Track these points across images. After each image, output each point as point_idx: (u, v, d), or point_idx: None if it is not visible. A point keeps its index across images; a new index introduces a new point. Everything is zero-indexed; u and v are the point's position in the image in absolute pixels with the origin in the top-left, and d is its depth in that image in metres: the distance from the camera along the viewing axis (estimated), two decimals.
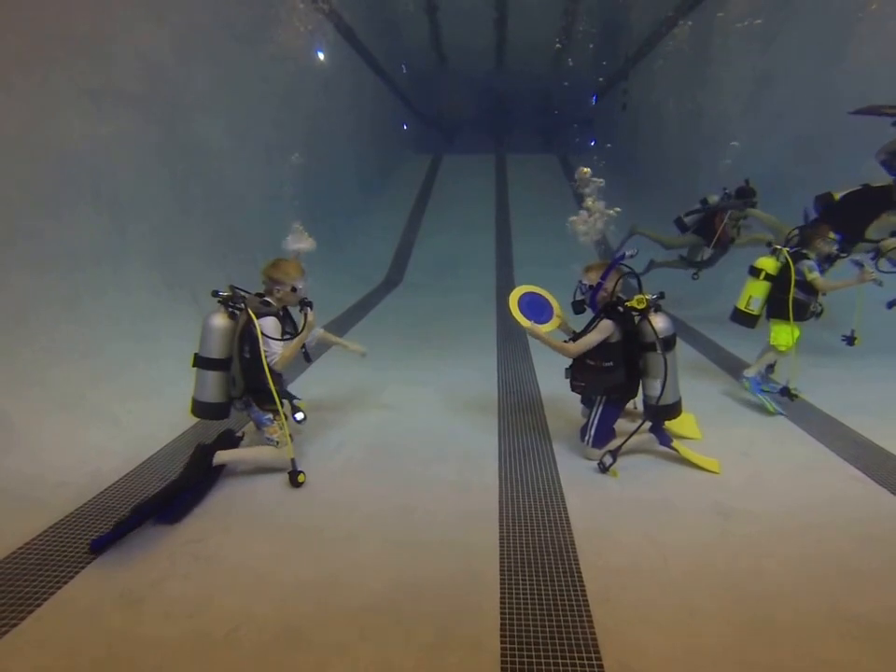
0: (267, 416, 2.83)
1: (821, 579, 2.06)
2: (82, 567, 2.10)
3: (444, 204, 12.40)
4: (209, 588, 2.01)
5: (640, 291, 2.78)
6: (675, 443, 2.94)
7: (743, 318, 3.86)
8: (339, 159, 10.29)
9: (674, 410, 2.86)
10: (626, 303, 2.80)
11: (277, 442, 2.83)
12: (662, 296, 2.78)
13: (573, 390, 3.02)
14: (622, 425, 3.08)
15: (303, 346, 2.94)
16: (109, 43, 4.34)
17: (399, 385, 4.26)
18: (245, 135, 6.68)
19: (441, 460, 3.03)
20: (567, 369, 3.02)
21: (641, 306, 2.73)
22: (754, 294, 3.77)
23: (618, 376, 2.84)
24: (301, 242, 3.04)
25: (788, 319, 3.62)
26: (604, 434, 2.94)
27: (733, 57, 8.29)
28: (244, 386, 2.80)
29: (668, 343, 2.74)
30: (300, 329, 2.84)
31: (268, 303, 2.79)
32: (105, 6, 4.31)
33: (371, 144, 12.86)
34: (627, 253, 2.77)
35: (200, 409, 2.82)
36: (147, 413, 3.41)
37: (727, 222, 5.76)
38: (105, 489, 2.65)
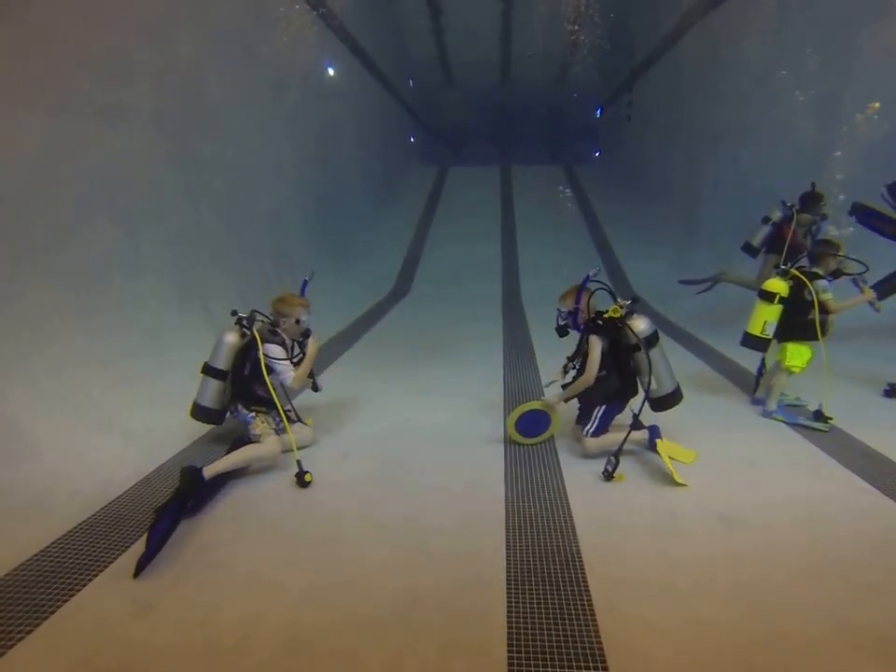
0: (251, 415, 3.06)
1: (828, 590, 2.05)
2: (95, 575, 2.13)
3: (451, 216, 12.50)
4: (219, 595, 2.04)
5: (615, 301, 3.04)
6: (658, 444, 3.02)
7: (756, 343, 3.75)
8: (348, 171, 10.43)
9: (674, 397, 3.10)
10: (604, 315, 3.03)
11: (260, 435, 3.00)
12: (636, 300, 3.07)
13: (582, 405, 3.25)
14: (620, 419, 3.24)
15: (312, 377, 3.30)
16: (125, 61, 4.46)
17: (405, 395, 4.29)
18: (256, 149, 6.81)
19: (447, 469, 3.05)
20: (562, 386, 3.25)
21: (618, 315, 2.97)
22: (769, 319, 3.65)
23: (613, 383, 3.09)
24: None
25: (803, 340, 3.62)
26: (602, 430, 3.14)
27: (736, 68, 8.36)
28: (231, 395, 3.13)
29: (651, 341, 2.98)
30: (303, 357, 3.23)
31: (276, 333, 3.10)
32: (121, 26, 4.44)
33: (379, 156, 13.04)
34: (591, 272, 3.03)
35: (198, 411, 3.20)
36: (158, 422, 3.46)
37: (795, 229, 5.29)
38: (117, 497, 2.69)
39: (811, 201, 5.26)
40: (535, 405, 3.29)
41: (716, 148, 8.93)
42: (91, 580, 2.10)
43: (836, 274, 3.76)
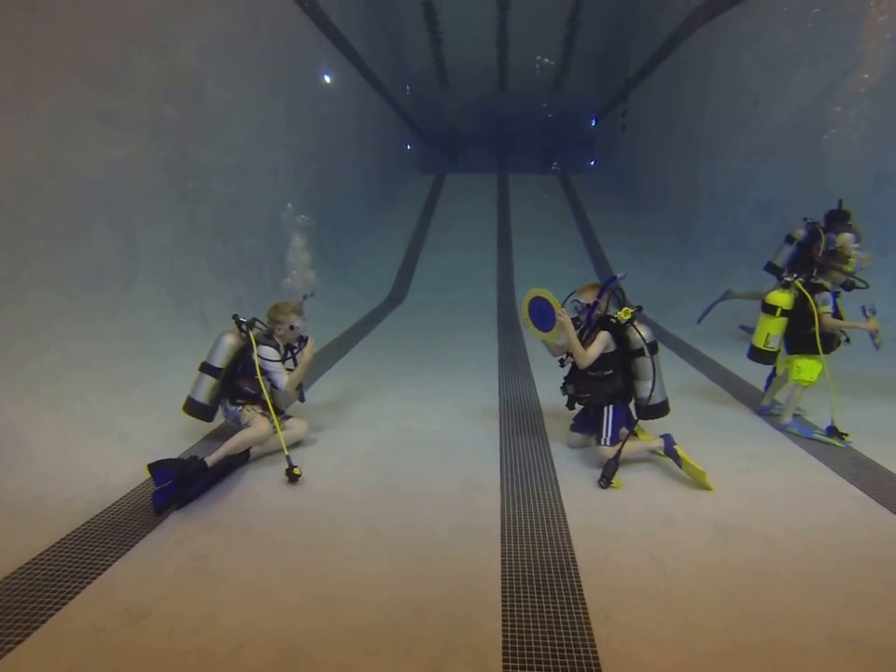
0: (237, 408, 3.26)
1: (823, 599, 2.07)
2: (88, 583, 2.11)
3: (447, 223, 12.56)
4: (213, 604, 2.03)
5: (623, 305, 3.09)
6: (677, 447, 3.04)
7: (762, 356, 3.75)
8: (345, 178, 10.48)
9: (662, 408, 3.19)
10: (616, 316, 3.09)
11: (247, 422, 3.16)
12: (640, 308, 3.13)
13: (579, 402, 3.29)
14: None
15: (300, 386, 3.39)
16: (123, 67, 4.49)
17: (400, 402, 4.29)
18: (254, 156, 6.83)
19: (443, 477, 3.05)
20: (562, 388, 3.32)
21: (627, 317, 3.04)
22: (772, 332, 3.64)
23: (618, 382, 3.16)
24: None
25: (810, 353, 3.57)
26: (617, 433, 3.14)
27: (731, 79, 8.46)
28: (219, 393, 3.29)
29: (653, 347, 3.09)
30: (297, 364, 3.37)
31: (271, 338, 3.30)
32: (120, 34, 4.47)
33: (376, 163, 13.10)
34: (619, 275, 3.09)
35: (191, 406, 3.31)
36: (154, 428, 3.46)
37: (822, 246, 4.96)
38: (112, 504, 2.67)
39: (837, 219, 5.06)
40: (551, 299, 3.16)
41: (710, 159, 9.03)
42: (85, 587, 2.09)
43: (848, 286, 3.70)
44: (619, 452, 2.96)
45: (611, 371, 3.13)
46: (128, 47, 4.55)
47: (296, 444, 3.36)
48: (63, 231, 3.76)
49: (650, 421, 3.30)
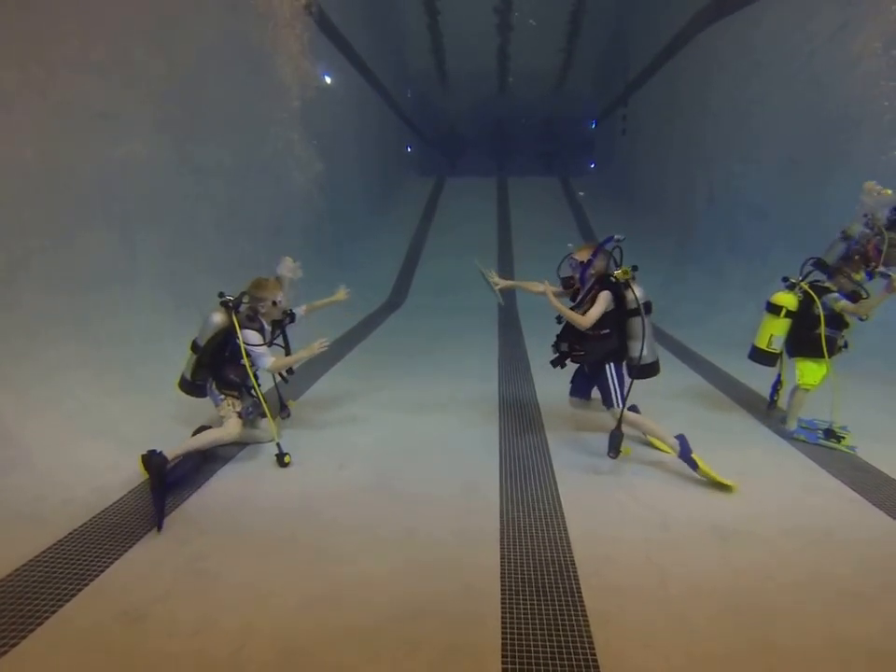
0: (220, 397, 3.25)
1: (820, 601, 2.07)
2: (86, 584, 2.11)
3: (447, 226, 12.56)
4: (213, 606, 2.02)
5: (619, 265, 3.08)
6: (694, 455, 3.04)
7: (763, 357, 3.68)
8: (345, 179, 10.48)
9: (654, 368, 3.21)
10: (615, 274, 3.08)
11: (223, 417, 3.20)
12: (636, 268, 3.08)
13: (573, 360, 3.28)
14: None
15: (290, 370, 3.44)
16: (125, 67, 4.48)
17: (399, 405, 4.29)
18: (254, 158, 6.83)
19: (442, 480, 3.05)
20: (554, 345, 3.31)
21: (626, 277, 3.04)
22: (775, 332, 3.58)
23: (613, 342, 3.16)
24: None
25: (814, 357, 3.50)
26: (624, 392, 3.17)
27: (731, 83, 8.47)
28: (204, 371, 3.26)
29: (648, 308, 3.08)
30: (290, 344, 3.43)
31: (253, 318, 3.23)
32: (120, 34, 4.46)
33: (377, 165, 13.11)
34: (616, 237, 3.06)
35: (183, 384, 3.32)
36: (152, 429, 3.44)
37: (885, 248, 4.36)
38: (111, 505, 2.67)
39: None
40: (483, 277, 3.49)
41: (710, 162, 9.05)
42: (81, 589, 2.08)
43: (855, 298, 3.54)
44: (620, 420, 3.01)
45: (608, 331, 3.12)
46: (129, 45, 4.54)
47: (259, 443, 3.45)
48: (62, 232, 3.76)
49: (652, 407, 3.29)
